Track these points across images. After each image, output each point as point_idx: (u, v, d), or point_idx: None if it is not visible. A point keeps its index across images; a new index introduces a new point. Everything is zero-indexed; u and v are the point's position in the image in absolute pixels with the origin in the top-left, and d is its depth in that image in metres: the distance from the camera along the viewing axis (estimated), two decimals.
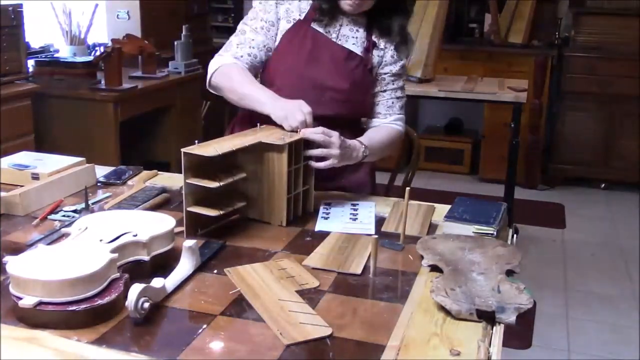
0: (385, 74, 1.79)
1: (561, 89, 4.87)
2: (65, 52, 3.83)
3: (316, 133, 1.52)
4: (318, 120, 1.58)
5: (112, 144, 3.40)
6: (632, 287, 3.40)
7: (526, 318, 2.85)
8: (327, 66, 1.73)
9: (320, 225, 1.49)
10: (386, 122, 1.80)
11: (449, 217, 1.49)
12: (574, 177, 4.98)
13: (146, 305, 1.05)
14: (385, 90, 1.80)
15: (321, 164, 1.53)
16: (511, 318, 1.08)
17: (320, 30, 1.75)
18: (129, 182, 1.74)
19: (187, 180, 1.39)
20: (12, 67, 3.18)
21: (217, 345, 1.01)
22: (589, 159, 4.88)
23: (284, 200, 1.48)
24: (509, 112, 3.75)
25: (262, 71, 1.80)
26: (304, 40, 1.73)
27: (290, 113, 1.54)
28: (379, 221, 1.54)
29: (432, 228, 1.49)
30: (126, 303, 1.04)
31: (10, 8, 3.15)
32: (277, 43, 1.76)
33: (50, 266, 1.07)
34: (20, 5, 3.20)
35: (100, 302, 1.05)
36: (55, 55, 3.77)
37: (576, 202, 4.69)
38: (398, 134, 1.82)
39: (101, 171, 1.78)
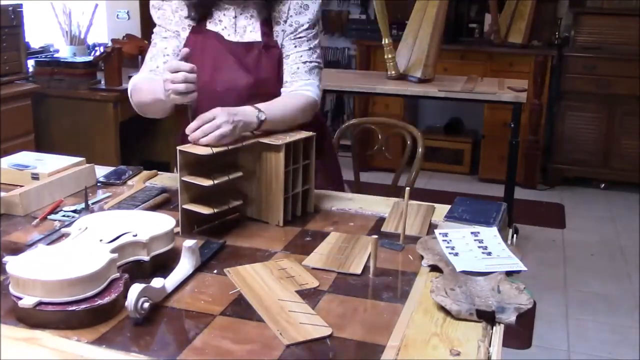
0: (286, 42, 1.71)
1: (561, 89, 4.87)
2: (65, 52, 3.83)
3: (210, 134, 1.43)
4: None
5: (112, 144, 3.41)
6: (632, 287, 3.40)
7: (526, 318, 2.85)
8: (233, 66, 1.69)
9: (458, 264, 1.26)
10: (291, 90, 1.70)
11: (449, 217, 1.49)
12: (573, 177, 4.98)
13: (146, 305, 1.05)
14: (288, 56, 1.72)
15: (215, 133, 1.42)
16: (511, 318, 1.08)
17: (217, 29, 1.71)
18: (129, 182, 1.74)
19: (182, 178, 1.39)
20: (12, 67, 3.19)
21: (217, 345, 1.01)
22: (589, 159, 4.88)
23: (281, 200, 1.48)
24: (508, 112, 3.75)
25: None
26: (204, 48, 1.69)
27: (170, 85, 1.45)
28: (379, 221, 1.54)
29: (432, 228, 1.49)
30: (126, 303, 1.04)
31: (10, 8, 3.15)
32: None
33: (50, 266, 1.07)
34: (20, 5, 3.21)
35: (100, 302, 1.05)
36: (55, 55, 3.77)
37: (576, 202, 4.69)
38: (305, 100, 1.68)
39: (101, 171, 1.78)
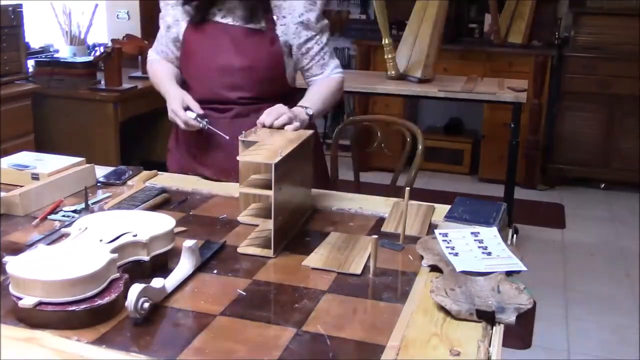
0: (302, 49, 1.84)
1: (561, 89, 4.87)
2: (65, 52, 3.83)
3: (273, 120, 1.58)
4: (243, 104, 1.78)
5: (112, 144, 3.41)
6: (632, 287, 3.40)
7: (526, 318, 2.85)
8: (230, 49, 1.78)
9: (458, 264, 1.25)
10: (325, 76, 1.88)
11: (449, 217, 1.49)
12: (573, 177, 4.98)
13: (146, 305, 1.05)
14: (314, 56, 1.86)
15: (291, 126, 1.58)
16: (511, 318, 1.08)
17: (217, 19, 1.80)
18: (129, 182, 1.73)
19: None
20: (12, 67, 3.19)
21: (217, 345, 1.01)
22: (588, 159, 4.88)
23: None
24: (508, 112, 3.75)
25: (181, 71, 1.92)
26: (203, 34, 1.81)
27: (173, 115, 1.75)
28: (379, 221, 1.54)
29: (432, 228, 1.49)
30: (126, 303, 1.03)
31: (10, 8, 3.15)
32: (182, 44, 1.86)
33: (50, 266, 1.07)
34: (20, 5, 3.21)
35: (100, 302, 1.04)
36: (55, 55, 3.77)
37: (576, 202, 4.69)
38: (337, 81, 1.89)
39: (101, 171, 1.78)
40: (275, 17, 1.80)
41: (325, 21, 1.88)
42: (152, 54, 1.98)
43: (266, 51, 1.79)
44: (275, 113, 1.59)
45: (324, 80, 1.88)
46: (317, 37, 1.85)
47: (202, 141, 1.84)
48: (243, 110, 1.81)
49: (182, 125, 1.73)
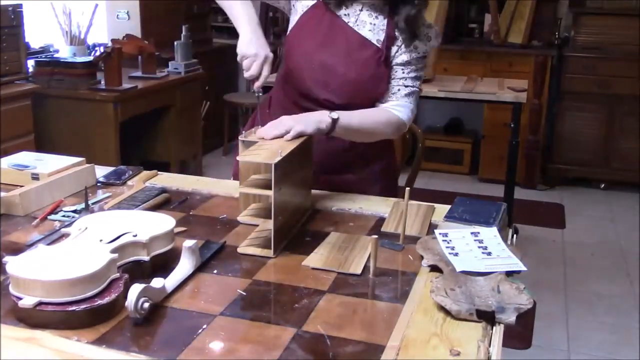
0: (397, 64, 1.71)
1: (561, 89, 4.87)
2: (65, 52, 3.83)
3: (271, 131, 1.47)
4: (326, 106, 1.61)
5: (112, 144, 3.41)
6: (632, 287, 3.40)
7: (526, 318, 2.85)
8: (340, 52, 1.67)
9: (458, 264, 1.25)
10: (384, 106, 1.72)
11: (449, 217, 1.49)
12: (573, 177, 4.98)
13: (146, 305, 1.05)
14: (393, 78, 1.71)
15: (289, 135, 1.46)
16: (511, 318, 1.08)
17: (339, 13, 1.69)
18: (129, 182, 1.73)
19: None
20: (12, 67, 3.19)
21: (217, 345, 1.01)
22: (588, 159, 4.88)
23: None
24: (508, 112, 3.75)
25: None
26: (320, 23, 1.69)
27: (252, 56, 1.56)
28: (379, 221, 1.54)
29: (432, 228, 1.49)
30: (126, 303, 1.04)
31: (10, 8, 3.15)
32: (293, 24, 1.72)
33: (50, 266, 1.07)
34: (20, 5, 3.21)
35: (100, 302, 1.05)
36: (55, 55, 3.77)
37: (576, 202, 4.69)
38: (394, 118, 1.69)
39: (101, 171, 1.78)
40: (396, 39, 1.69)
41: (425, 63, 1.75)
42: None
43: (373, 70, 1.68)
44: (282, 128, 1.47)
45: (380, 108, 1.70)
46: (410, 66, 1.71)
47: None
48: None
49: (248, 71, 1.56)
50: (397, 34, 1.69)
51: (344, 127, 1.57)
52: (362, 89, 1.68)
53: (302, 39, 1.70)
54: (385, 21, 1.69)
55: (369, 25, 1.69)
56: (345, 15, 1.69)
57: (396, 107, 1.71)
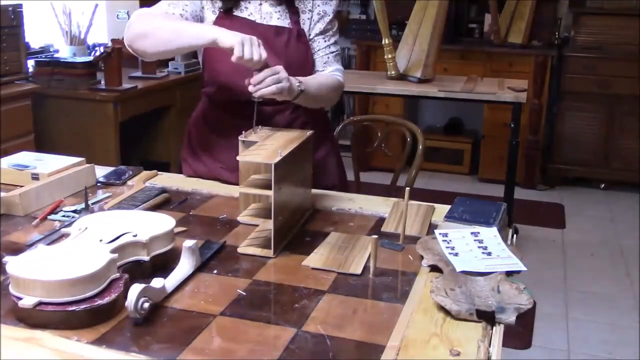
0: (315, 35, 1.81)
1: (561, 89, 4.87)
2: (65, 52, 3.83)
3: (270, 86, 1.49)
4: (269, 104, 1.68)
5: (112, 144, 3.41)
6: (632, 287, 3.40)
7: (526, 318, 2.85)
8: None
9: (458, 264, 1.25)
10: (326, 72, 1.82)
11: (449, 217, 1.49)
12: (573, 177, 4.98)
13: (146, 305, 1.05)
14: (318, 50, 1.82)
15: (275, 86, 1.49)
16: (511, 318, 1.08)
17: (244, 15, 1.75)
18: (129, 182, 1.74)
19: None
20: (12, 67, 3.18)
21: (217, 345, 1.01)
22: (588, 159, 4.88)
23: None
24: (508, 112, 3.75)
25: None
26: (231, 29, 1.63)
27: (247, 41, 1.47)
28: (379, 221, 1.54)
29: (432, 228, 1.49)
30: (126, 303, 1.04)
31: (10, 8, 3.15)
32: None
33: (50, 266, 1.07)
34: (20, 5, 3.21)
35: (100, 302, 1.05)
36: (55, 56, 3.77)
37: (576, 202, 4.69)
38: (337, 82, 1.82)
39: (101, 171, 1.78)
40: (300, 11, 1.78)
41: (336, 22, 1.86)
42: (143, 10, 1.68)
43: (296, 49, 1.75)
44: (272, 78, 1.49)
45: (323, 74, 1.81)
46: (328, 33, 1.83)
47: (220, 144, 1.78)
48: (267, 110, 1.73)
49: (248, 54, 1.48)
50: (307, 6, 1.79)
51: (304, 96, 1.65)
52: (295, 69, 1.68)
53: (220, 52, 1.59)
54: (286, 4, 1.77)
55: (275, 14, 1.76)
56: (249, 15, 1.75)
57: (335, 73, 1.84)
